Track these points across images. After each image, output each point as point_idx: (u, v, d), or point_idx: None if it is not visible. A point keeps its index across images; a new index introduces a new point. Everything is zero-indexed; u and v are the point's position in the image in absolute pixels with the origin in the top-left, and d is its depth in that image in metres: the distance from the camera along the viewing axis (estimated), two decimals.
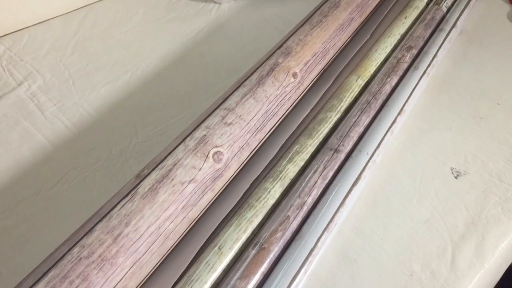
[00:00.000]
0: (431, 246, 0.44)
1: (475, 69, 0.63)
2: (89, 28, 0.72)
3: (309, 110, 0.55)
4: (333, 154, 0.46)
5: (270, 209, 0.42)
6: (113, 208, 0.36)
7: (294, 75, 0.50)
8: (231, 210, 0.44)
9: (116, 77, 0.64)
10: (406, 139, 0.54)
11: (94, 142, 0.55)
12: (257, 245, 0.38)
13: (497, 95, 0.59)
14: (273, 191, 0.43)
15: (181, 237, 0.39)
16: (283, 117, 0.51)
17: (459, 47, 0.67)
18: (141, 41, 0.70)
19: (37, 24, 0.72)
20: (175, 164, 0.39)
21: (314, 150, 0.48)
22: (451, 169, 0.51)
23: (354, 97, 0.54)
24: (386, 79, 0.54)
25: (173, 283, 0.39)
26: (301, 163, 0.46)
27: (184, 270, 0.39)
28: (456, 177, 0.50)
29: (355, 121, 0.49)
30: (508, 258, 0.46)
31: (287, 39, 0.53)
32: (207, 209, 0.42)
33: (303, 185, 0.43)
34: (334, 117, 0.51)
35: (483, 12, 0.73)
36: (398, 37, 0.62)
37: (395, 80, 0.55)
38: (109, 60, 0.67)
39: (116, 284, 0.33)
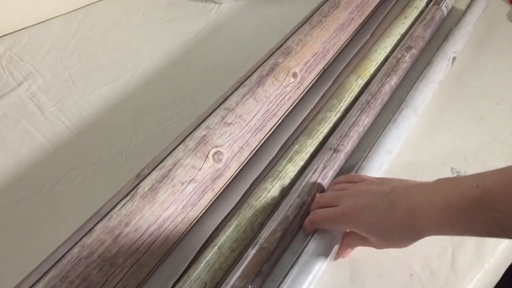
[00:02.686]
0: (431, 246, 0.44)
1: (475, 69, 0.63)
2: (89, 28, 0.72)
3: (309, 110, 0.55)
4: (332, 153, 0.46)
5: (270, 209, 0.42)
6: (113, 208, 0.36)
7: (294, 75, 0.50)
8: (231, 210, 0.44)
9: (116, 77, 0.64)
10: (406, 139, 0.54)
11: (94, 142, 0.55)
12: (257, 245, 0.38)
13: (497, 95, 0.59)
14: (273, 190, 0.43)
15: (181, 237, 0.39)
16: (283, 117, 0.51)
17: None
18: (141, 41, 0.70)
19: (37, 24, 0.72)
20: (175, 164, 0.39)
21: (314, 150, 0.48)
22: (451, 169, 0.51)
23: (354, 97, 0.54)
24: (385, 79, 0.54)
25: (172, 283, 0.39)
26: (301, 163, 0.46)
27: (184, 270, 0.39)
28: None
29: (355, 120, 0.50)
30: (508, 258, 0.46)
31: (287, 39, 0.53)
32: (207, 209, 0.42)
33: (302, 184, 0.43)
34: (334, 116, 0.51)
35: (483, 12, 0.73)
36: (398, 37, 0.62)
37: (394, 80, 0.55)
38: (109, 60, 0.67)
39: (116, 284, 0.33)
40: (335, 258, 0.41)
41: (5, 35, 0.70)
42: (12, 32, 0.70)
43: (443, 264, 0.43)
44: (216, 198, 0.43)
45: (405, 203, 0.31)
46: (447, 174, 0.50)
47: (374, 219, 0.33)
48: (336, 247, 0.40)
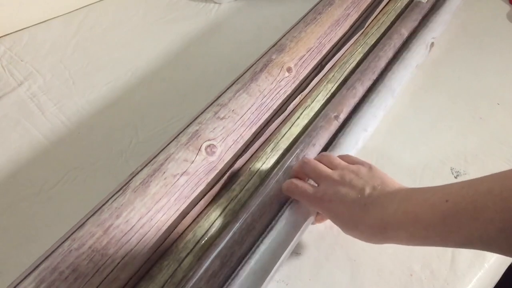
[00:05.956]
0: None
1: (475, 69, 0.63)
2: (89, 28, 0.72)
3: None
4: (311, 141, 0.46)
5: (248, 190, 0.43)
6: (104, 203, 0.36)
7: (289, 69, 0.50)
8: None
9: (116, 77, 0.64)
10: (406, 139, 0.54)
11: (94, 142, 0.55)
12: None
13: (497, 95, 0.59)
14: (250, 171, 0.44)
15: (176, 229, 0.39)
16: (278, 110, 0.50)
17: (458, 47, 0.67)
18: (141, 41, 0.70)
19: (37, 24, 0.72)
20: (167, 159, 0.39)
21: (291, 136, 0.48)
22: (451, 169, 0.51)
23: (334, 86, 0.55)
24: (364, 72, 0.55)
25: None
26: (281, 146, 0.47)
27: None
28: (456, 177, 0.50)
29: (332, 108, 0.50)
30: (508, 258, 0.45)
31: (281, 38, 0.54)
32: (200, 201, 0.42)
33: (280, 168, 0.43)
34: (311, 103, 0.51)
35: (483, 12, 0.73)
36: (383, 28, 0.63)
37: (380, 66, 0.56)
38: (109, 60, 0.67)
39: (108, 275, 0.33)
40: (313, 223, 0.43)
41: (5, 35, 0.70)
42: (12, 32, 0.71)
43: (443, 264, 0.43)
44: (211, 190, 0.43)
45: (377, 212, 0.32)
46: (447, 174, 0.50)
47: (346, 216, 0.34)
48: (311, 218, 0.40)
